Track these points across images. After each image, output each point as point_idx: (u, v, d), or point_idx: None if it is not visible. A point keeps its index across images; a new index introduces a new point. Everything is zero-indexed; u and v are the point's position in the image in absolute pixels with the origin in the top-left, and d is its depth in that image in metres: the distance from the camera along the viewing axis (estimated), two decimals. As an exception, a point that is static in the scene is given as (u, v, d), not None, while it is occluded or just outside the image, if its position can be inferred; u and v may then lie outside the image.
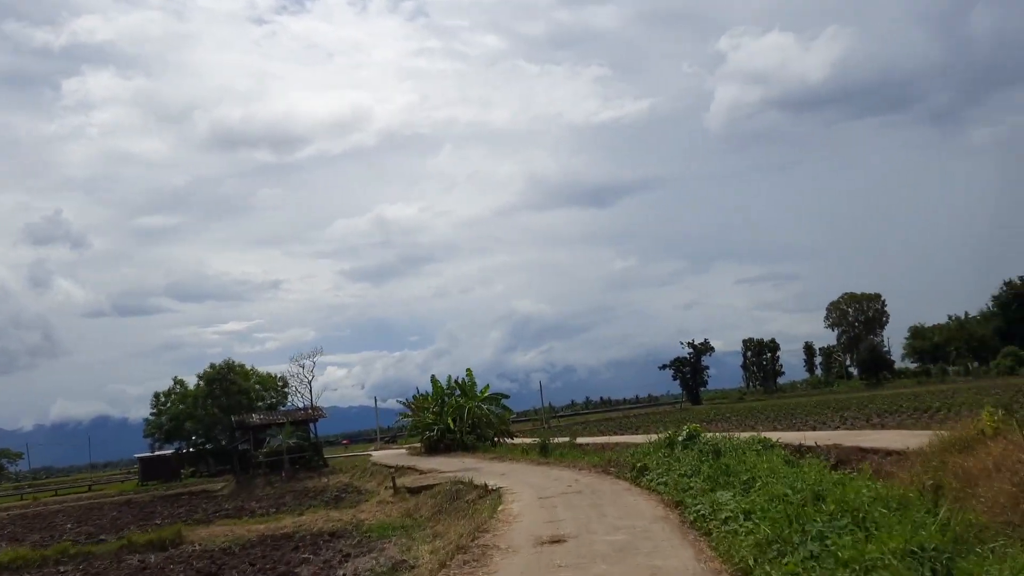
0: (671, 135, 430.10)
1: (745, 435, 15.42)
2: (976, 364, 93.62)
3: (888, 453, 16.25)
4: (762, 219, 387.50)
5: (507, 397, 43.39)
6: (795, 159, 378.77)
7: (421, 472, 29.66)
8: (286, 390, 60.38)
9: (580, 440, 34.63)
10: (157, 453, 66.61)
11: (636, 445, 25.87)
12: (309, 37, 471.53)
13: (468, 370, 42.07)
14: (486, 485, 17.54)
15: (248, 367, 59.23)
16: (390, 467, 38.38)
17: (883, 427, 28.37)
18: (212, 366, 51.77)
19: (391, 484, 24.63)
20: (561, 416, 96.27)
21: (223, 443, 52.59)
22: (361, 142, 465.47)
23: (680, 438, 14.65)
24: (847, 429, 28.70)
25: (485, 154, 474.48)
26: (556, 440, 31.65)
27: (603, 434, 46.68)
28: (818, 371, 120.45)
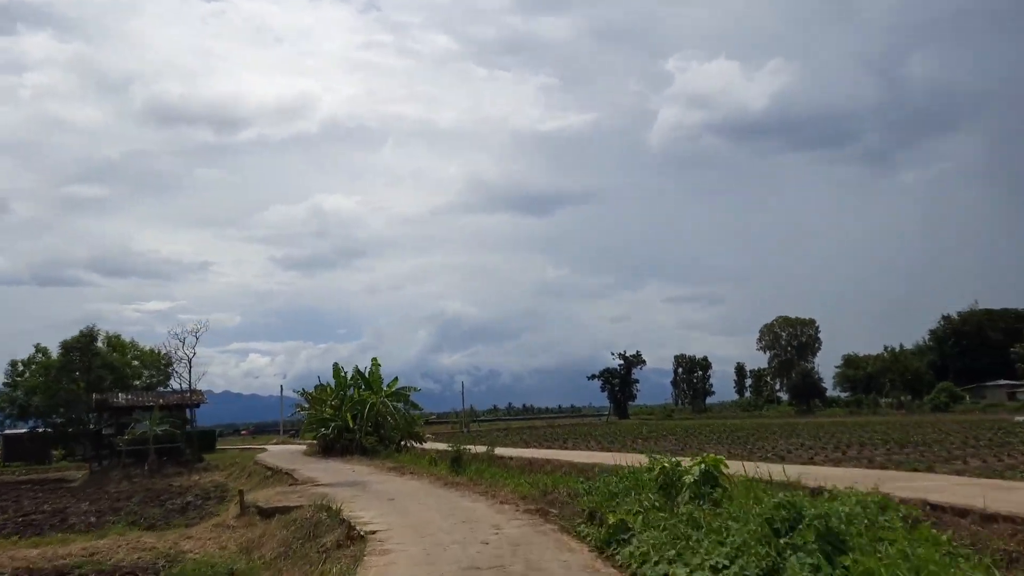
0: (612, 150, 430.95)
1: (826, 472, 9.45)
2: (909, 397, 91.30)
3: (991, 518, 10.43)
4: (693, 240, 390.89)
5: (417, 391, 36.87)
6: (729, 184, 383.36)
7: (294, 482, 22.96)
8: (170, 369, 52.62)
9: (501, 451, 28.42)
10: (17, 431, 57.97)
11: (579, 468, 19.86)
12: (259, 19, 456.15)
13: (374, 359, 35.48)
14: (350, 526, 11.10)
15: (128, 339, 51.06)
16: (269, 468, 31.53)
17: (873, 463, 23.09)
18: (81, 332, 43.25)
19: (238, 501, 17.89)
20: (482, 420, 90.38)
21: (91, 425, 44.21)
22: (304, 130, 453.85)
23: (690, 478, 8.23)
24: (827, 464, 23.27)
25: (428, 152, 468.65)
26: (473, 448, 25.27)
27: (528, 445, 40.60)
28: (747, 393, 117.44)
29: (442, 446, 36.60)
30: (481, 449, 26.03)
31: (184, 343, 40.05)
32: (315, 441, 40.15)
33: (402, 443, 34.35)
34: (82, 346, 40.56)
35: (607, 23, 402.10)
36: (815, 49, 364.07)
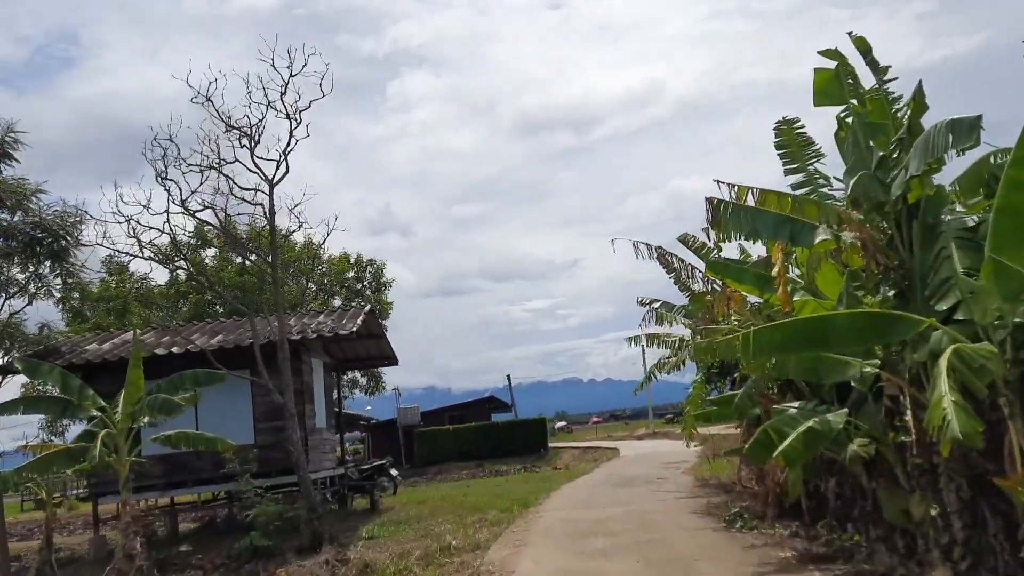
0: (1013, 71, 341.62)
1: None
2: None
3: None
4: None
5: None
6: None
7: None
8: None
9: None
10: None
11: None
12: (600, 16, 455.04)
13: None
14: None
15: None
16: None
17: None
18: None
19: None
20: None
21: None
22: (655, 116, 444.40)
23: None
24: None
25: (786, 115, 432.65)
26: None
27: None
28: None
29: None
30: None
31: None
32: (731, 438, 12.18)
33: None
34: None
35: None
36: None
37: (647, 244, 11.14)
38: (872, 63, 6.93)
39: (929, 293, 5.84)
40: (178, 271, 18.95)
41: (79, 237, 13.09)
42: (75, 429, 19.17)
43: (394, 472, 17.65)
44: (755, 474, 9.88)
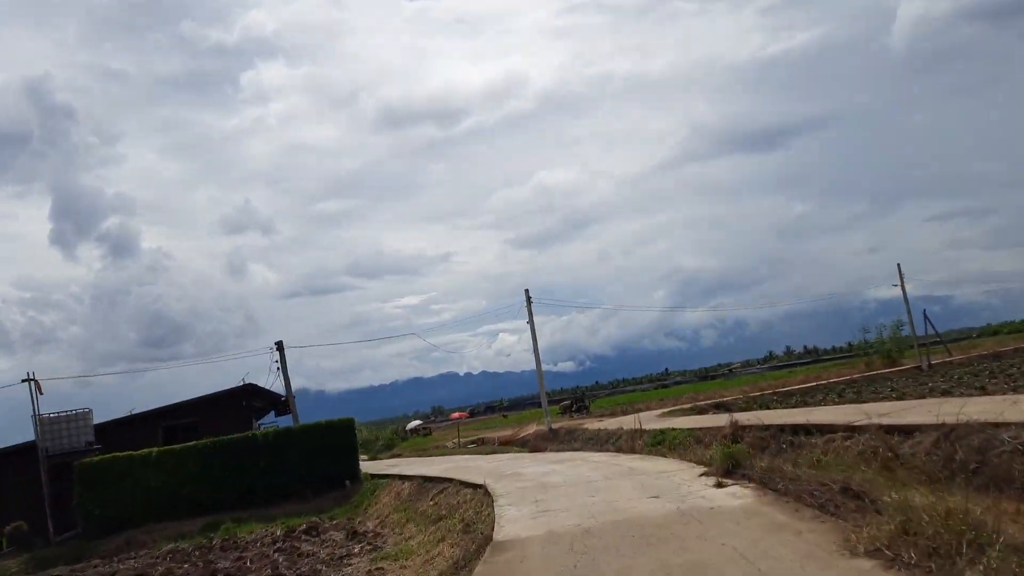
0: (847, 64, 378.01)
1: None
2: None
3: None
4: (953, 148, 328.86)
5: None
6: (992, 77, 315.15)
7: None
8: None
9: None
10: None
11: None
12: (458, 8, 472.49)
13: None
14: None
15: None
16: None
17: None
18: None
19: None
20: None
21: None
22: (518, 108, 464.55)
23: None
24: None
25: (643, 107, 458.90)
26: None
27: None
28: None
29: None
30: None
31: None
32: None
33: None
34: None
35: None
36: None
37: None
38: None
39: None
40: None
41: None
42: None
43: None
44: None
